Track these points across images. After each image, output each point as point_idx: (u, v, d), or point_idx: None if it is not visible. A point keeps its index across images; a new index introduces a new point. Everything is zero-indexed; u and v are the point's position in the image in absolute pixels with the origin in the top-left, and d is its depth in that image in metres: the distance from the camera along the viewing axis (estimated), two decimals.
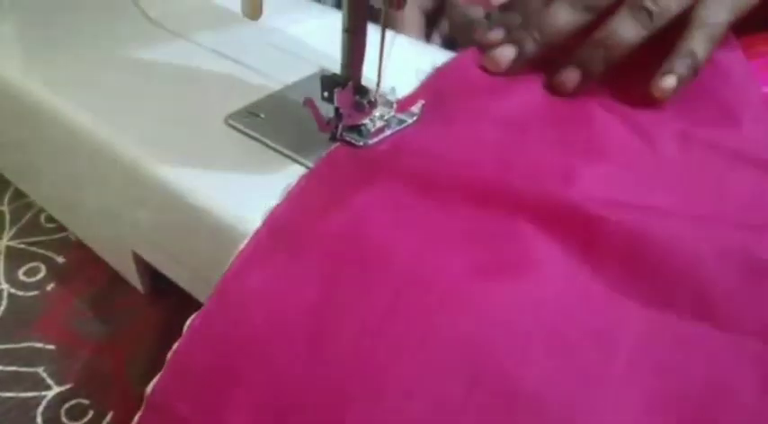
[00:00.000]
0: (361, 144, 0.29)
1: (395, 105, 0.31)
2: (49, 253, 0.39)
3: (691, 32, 0.31)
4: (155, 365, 0.23)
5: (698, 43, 0.31)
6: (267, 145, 0.30)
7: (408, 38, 0.42)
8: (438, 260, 0.23)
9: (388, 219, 0.25)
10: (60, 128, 0.33)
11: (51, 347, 0.34)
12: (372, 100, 0.29)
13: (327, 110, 0.29)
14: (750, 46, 0.39)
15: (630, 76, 0.33)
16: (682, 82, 0.30)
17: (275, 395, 0.20)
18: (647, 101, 0.32)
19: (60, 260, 0.39)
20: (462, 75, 0.35)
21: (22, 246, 0.39)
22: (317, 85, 0.29)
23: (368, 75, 0.29)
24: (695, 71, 0.31)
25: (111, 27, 0.39)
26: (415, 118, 0.31)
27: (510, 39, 0.33)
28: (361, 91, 0.28)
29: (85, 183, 0.35)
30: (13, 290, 0.37)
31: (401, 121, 0.31)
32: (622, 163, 0.29)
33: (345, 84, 0.27)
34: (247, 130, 0.31)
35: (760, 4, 0.33)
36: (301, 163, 0.29)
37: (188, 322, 0.23)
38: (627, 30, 0.31)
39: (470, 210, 0.25)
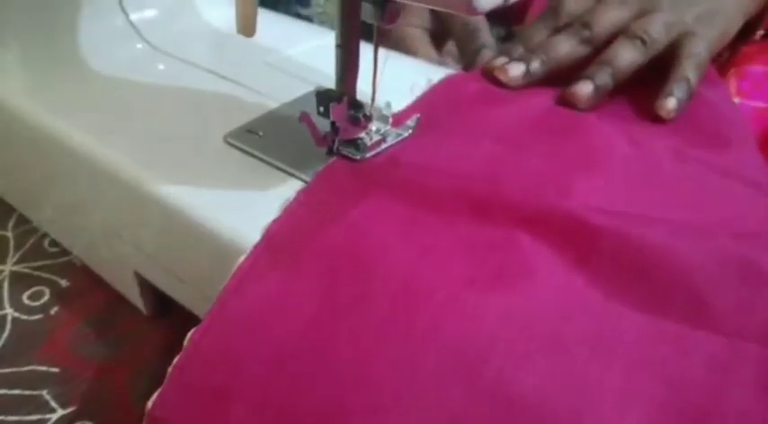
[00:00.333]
0: (357, 157, 0.29)
1: (390, 119, 0.31)
2: (53, 277, 0.39)
3: (681, 62, 0.35)
4: (158, 385, 0.23)
5: (689, 71, 0.35)
6: (266, 162, 0.31)
7: (404, 56, 0.43)
8: (435, 270, 0.23)
9: (385, 231, 0.25)
10: (61, 151, 0.34)
11: (55, 370, 0.34)
12: (368, 114, 0.29)
13: (323, 126, 0.29)
14: (739, 63, 0.41)
15: (624, 96, 0.36)
16: (681, 104, 0.34)
17: (274, 409, 0.20)
18: (644, 118, 0.34)
19: (64, 283, 0.39)
20: (457, 90, 0.36)
21: (27, 270, 0.40)
22: (314, 103, 0.29)
23: (364, 91, 0.30)
24: (690, 95, 0.35)
25: (111, 50, 0.39)
26: (410, 131, 0.31)
27: (518, 58, 0.36)
28: (356, 105, 0.29)
29: (87, 206, 0.36)
30: (17, 314, 0.37)
31: (397, 135, 0.31)
32: (619, 174, 0.29)
33: (340, 99, 0.27)
34: (246, 148, 0.32)
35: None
36: (300, 179, 0.30)
37: (188, 336, 0.23)
38: (626, 54, 0.35)
39: (467, 222, 0.26)
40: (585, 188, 0.27)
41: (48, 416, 0.31)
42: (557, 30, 0.38)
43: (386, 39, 0.50)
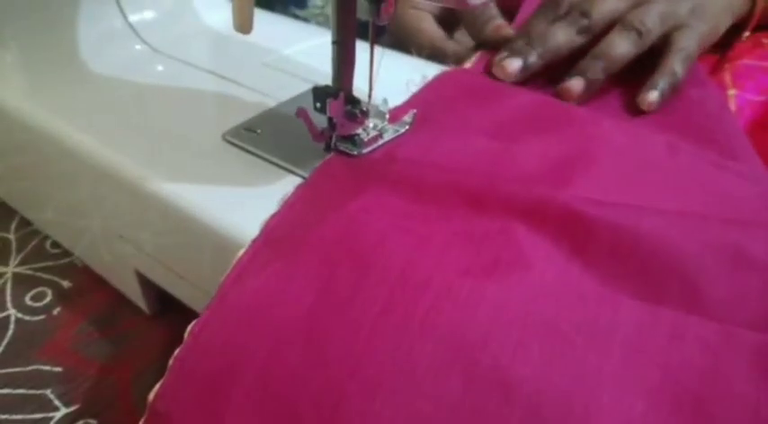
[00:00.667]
0: (355, 153, 0.30)
1: (387, 115, 0.31)
2: (55, 278, 0.40)
3: (670, 55, 0.36)
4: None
5: (677, 64, 0.35)
6: (265, 159, 0.31)
7: (399, 53, 0.43)
8: (431, 261, 0.23)
9: (383, 224, 0.25)
10: (61, 152, 0.34)
11: (58, 369, 0.34)
12: (364, 109, 0.29)
13: (321, 122, 0.29)
14: (732, 58, 0.42)
15: (618, 89, 0.37)
16: (663, 96, 0.35)
17: (274, 398, 0.21)
18: (631, 111, 0.35)
19: (66, 284, 0.39)
20: (453, 86, 0.36)
21: (29, 272, 0.40)
22: (312, 101, 0.29)
23: (361, 88, 0.30)
24: (675, 87, 0.35)
25: (110, 52, 0.40)
26: (407, 127, 0.32)
27: (515, 52, 0.37)
28: (353, 101, 0.29)
29: (88, 206, 0.36)
30: (20, 315, 0.37)
31: (394, 131, 0.31)
32: (613, 166, 0.29)
33: (337, 95, 0.28)
34: (245, 145, 0.32)
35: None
36: (298, 175, 0.30)
37: (188, 329, 0.23)
38: (621, 45, 0.35)
39: (463, 214, 0.26)
40: (580, 179, 0.28)
41: (51, 414, 0.31)
42: (556, 20, 0.38)
43: (391, 25, 0.49)
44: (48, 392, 0.33)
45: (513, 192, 0.26)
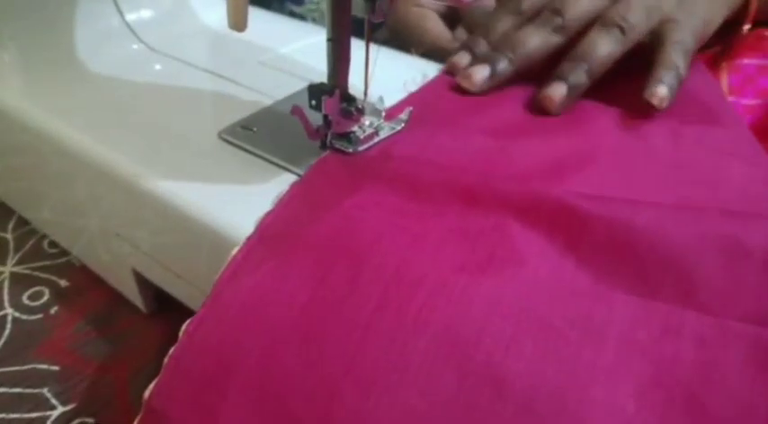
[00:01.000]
0: (350, 150, 0.30)
1: (383, 113, 0.31)
2: (53, 277, 0.40)
3: (667, 48, 0.33)
4: None
5: (677, 57, 0.32)
6: (261, 157, 0.31)
7: (398, 52, 0.43)
8: (425, 258, 0.24)
9: (377, 221, 0.25)
10: (58, 151, 0.34)
11: (55, 368, 0.34)
12: (360, 107, 0.29)
13: (316, 120, 0.29)
14: (730, 58, 0.41)
15: (610, 83, 0.34)
16: (672, 91, 0.32)
17: (269, 396, 0.21)
18: (640, 108, 0.33)
19: (63, 283, 0.39)
20: (452, 86, 0.36)
21: (26, 271, 0.40)
22: (307, 99, 0.29)
23: (357, 87, 0.30)
24: (680, 82, 0.32)
25: (107, 51, 0.40)
26: (403, 124, 0.32)
27: (483, 59, 0.34)
28: (349, 98, 0.29)
29: (85, 205, 0.36)
30: (17, 314, 0.37)
31: (390, 128, 0.31)
32: (610, 161, 0.29)
33: (332, 93, 0.28)
34: (241, 143, 0.32)
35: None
36: (294, 173, 0.30)
37: (183, 327, 0.23)
38: (603, 44, 0.32)
39: (458, 211, 0.26)
40: (575, 175, 0.28)
41: (48, 413, 0.31)
42: (522, 18, 0.35)
43: (390, 21, 0.49)
44: (44, 390, 0.33)
45: (507, 189, 0.26)
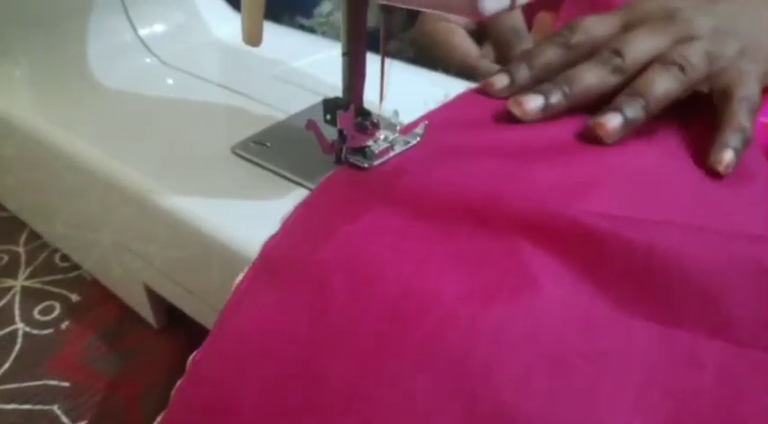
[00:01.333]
0: (365, 165, 0.29)
1: (399, 127, 0.31)
2: (64, 292, 0.39)
3: (733, 106, 0.31)
4: (168, 398, 0.23)
5: (744, 117, 0.31)
6: (274, 172, 0.31)
7: (420, 69, 0.42)
8: (430, 285, 0.22)
9: (381, 246, 0.24)
10: (71, 165, 0.34)
11: (66, 384, 0.34)
12: (375, 121, 0.29)
13: (331, 134, 0.29)
14: None
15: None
16: (738, 155, 0.30)
17: None
18: (657, 124, 0.32)
19: (75, 298, 0.39)
20: (473, 106, 0.35)
21: (38, 285, 0.40)
22: (322, 114, 0.29)
23: (373, 102, 0.30)
24: (747, 144, 0.31)
25: (121, 66, 0.40)
26: (418, 138, 0.31)
27: (538, 90, 0.33)
28: (364, 113, 0.29)
29: (97, 219, 0.36)
30: (28, 329, 0.37)
31: (405, 142, 0.31)
32: (628, 181, 0.28)
33: (347, 107, 0.27)
34: (254, 158, 0.32)
35: None
36: (308, 188, 0.29)
37: (190, 359, 0.23)
38: (662, 82, 0.31)
39: (466, 231, 0.25)
40: (591, 195, 0.26)
41: None
42: (570, 51, 0.34)
43: (416, 35, 0.48)
44: (55, 407, 0.32)
45: (520, 208, 0.25)
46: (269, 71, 0.41)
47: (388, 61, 0.29)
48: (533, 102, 0.32)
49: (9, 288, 0.40)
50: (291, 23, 0.63)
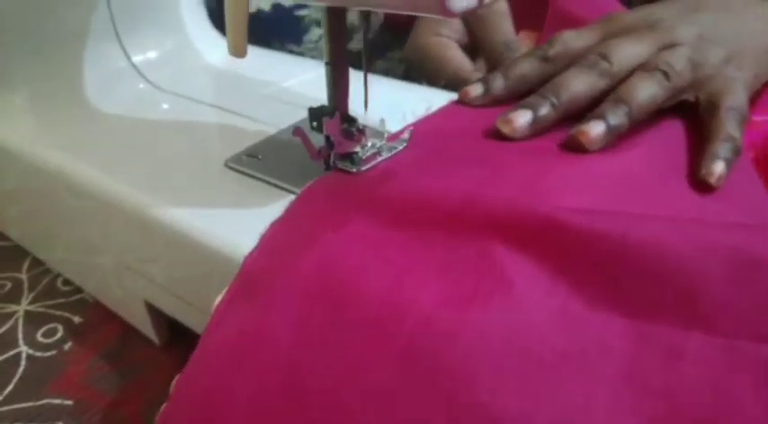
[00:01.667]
0: (354, 170, 0.30)
1: (385, 135, 0.32)
2: (66, 314, 0.40)
3: (721, 116, 0.31)
4: None
5: (732, 127, 0.30)
6: (267, 182, 0.32)
7: (404, 83, 0.43)
8: (408, 294, 0.22)
9: (360, 256, 0.24)
10: (70, 188, 0.35)
11: (69, 402, 0.34)
12: (361, 127, 0.30)
13: (319, 142, 0.30)
14: None
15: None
16: (729, 165, 0.29)
17: None
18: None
19: (77, 319, 0.40)
20: (453, 116, 0.35)
21: (41, 309, 0.41)
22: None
23: (359, 112, 0.30)
24: (737, 154, 0.30)
25: (116, 92, 0.41)
26: (405, 144, 0.32)
27: (525, 104, 0.32)
28: (349, 119, 0.30)
29: (97, 240, 0.37)
30: (31, 351, 0.37)
31: (392, 148, 0.32)
32: (605, 183, 0.27)
33: (333, 114, 0.28)
34: (246, 170, 0.33)
35: None
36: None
37: (173, 382, 0.23)
38: (646, 88, 0.31)
39: (442, 236, 0.24)
40: (565, 191, 0.26)
41: None
42: (548, 64, 0.34)
43: (408, 49, 0.48)
44: None
45: (492, 208, 0.24)
46: (259, 90, 0.42)
47: (370, 76, 0.30)
48: (522, 118, 0.31)
49: (12, 313, 0.40)
50: (282, 50, 0.65)
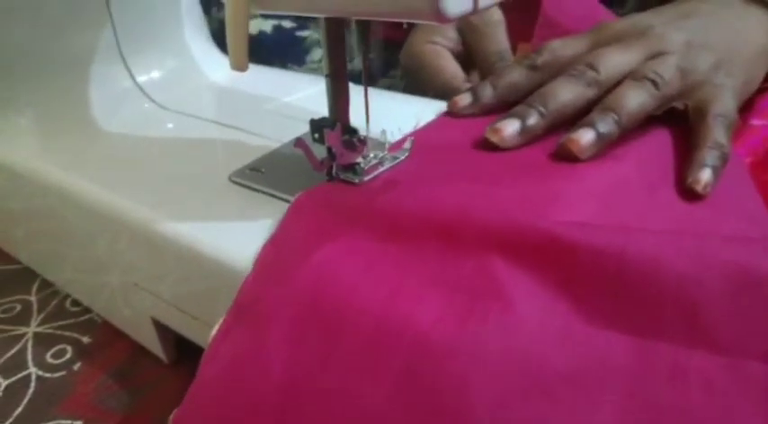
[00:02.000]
0: (356, 181, 0.30)
1: (387, 145, 0.32)
2: (75, 335, 0.40)
3: (709, 123, 0.31)
4: None
5: (720, 134, 0.30)
6: (271, 196, 0.32)
7: (395, 95, 0.44)
8: (405, 313, 0.22)
9: (352, 272, 0.24)
10: (77, 207, 0.35)
11: (79, 422, 0.34)
12: (362, 138, 0.30)
13: (321, 153, 0.30)
14: None
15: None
16: (716, 173, 0.29)
17: None
18: (631, 136, 0.31)
19: (86, 340, 0.40)
20: (443, 128, 0.35)
21: (50, 330, 0.41)
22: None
23: (360, 126, 0.31)
24: (725, 161, 0.30)
25: (121, 112, 0.42)
26: (407, 154, 0.32)
27: (513, 113, 0.32)
28: (350, 130, 0.30)
29: (104, 258, 0.37)
30: (40, 373, 0.37)
31: (393, 158, 0.32)
32: (598, 192, 0.27)
33: (334, 125, 0.29)
34: (250, 184, 0.33)
35: None
36: None
37: (171, 418, 0.24)
38: (635, 97, 0.30)
39: (437, 249, 0.24)
40: (562, 205, 0.25)
41: None
42: (536, 72, 0.34)
43: (404, 57, 0.48)
44: None
45: (488, 221, 0.24)
46: (262, 106, 0.42)
47: (370, 91, 0.30)
48: (510, 127, 0.31)
49: (22, 335, 0.40)
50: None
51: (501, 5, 0.44)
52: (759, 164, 0.36)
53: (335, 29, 0.27)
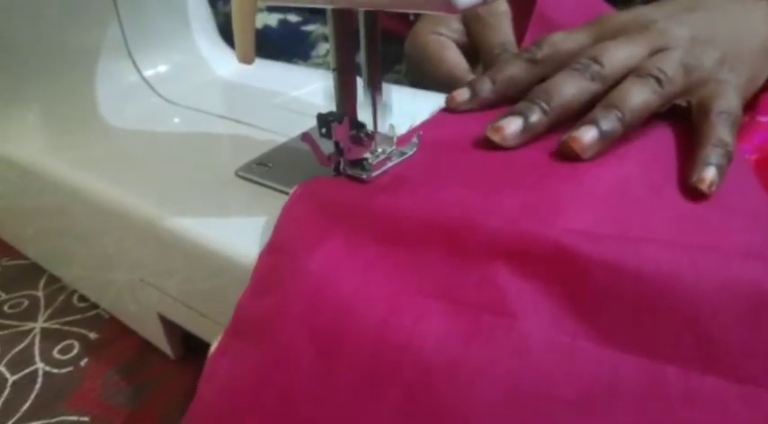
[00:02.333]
0: (364, 177, 0.30)
1: (395, 140, 0.32)
2: (82, 330, 0.40)
3: (712, 120, 0.30)
4: None
5: (724, 131, 0.29)
6: (279, 191, 0.32)
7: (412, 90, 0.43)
8: (406, 332, 0.21)
9: (349, 284, 0.23)
10: (85, 203, 0.35)
11: (86, 418, 0.34)
12: (370, 133, 0.30)
13: (328, 148, 0.30)
14: None
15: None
16: (721, 171, 0.28)
17: None
18: (640, 137, 0.30)
19: (93, 335, 0.40)
20: (442, 126, 0.34)
21: (57, 326, 0.41)
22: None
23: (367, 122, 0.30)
24: (730, 160, 0.29)
25: (128, 107, 0.42)
26: (415, 149, 0.32)
27: (515, 111, 0.31)
28: (358, 125, 0.30)
29: (111, 254, 0.37)
30: (47, 368, 0.37)
31: (401, 153, 0.32)
32: (604, 196, 0.26)
33: (341, 120, 0.28)
34: (257, 179, 0.32)
35: None
36: None
37: None
38: (639, 94, 0.30)
39: (439, 255, 0.23)
40: (571, 212, 0.24)
41: None
42: (536, 66, 0.33)
43: (408, 47, 0.47)
44: None
45: (493, 228, 0.23)
46: (269, 101, 0.42)
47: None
48: (512, 125, 0.30)
49: (29, 331, 0.40)
50: None
51: None
52: (766, 161, 0.35)
53: (343, 22, 0.26)
